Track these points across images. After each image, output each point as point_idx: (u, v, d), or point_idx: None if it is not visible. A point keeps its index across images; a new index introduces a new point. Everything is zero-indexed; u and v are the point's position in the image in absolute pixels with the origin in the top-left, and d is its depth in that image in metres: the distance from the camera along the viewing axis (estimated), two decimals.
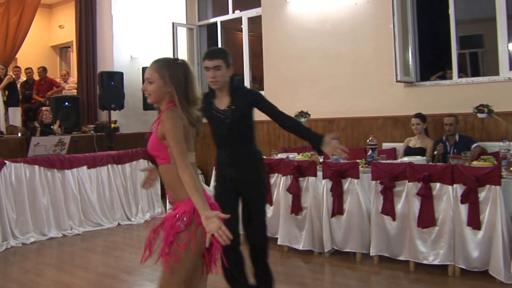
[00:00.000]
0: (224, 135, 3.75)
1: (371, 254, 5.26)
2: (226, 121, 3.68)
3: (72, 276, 4.82)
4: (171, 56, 7.75)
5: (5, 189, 6.66)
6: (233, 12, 10.20)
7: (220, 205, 2.67)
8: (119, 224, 7.81)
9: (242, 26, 9.93)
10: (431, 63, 8.01)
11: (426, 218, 4.85)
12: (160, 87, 2.63)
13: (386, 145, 7.07)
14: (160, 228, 2.74)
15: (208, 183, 7.51)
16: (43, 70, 11.29)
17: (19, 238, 6.70)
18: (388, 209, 5.11)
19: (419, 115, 6.47)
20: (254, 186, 3.79)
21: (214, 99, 3.73)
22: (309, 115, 7.37)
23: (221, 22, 10.41)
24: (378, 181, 5.17)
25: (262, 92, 9.23)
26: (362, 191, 5.38)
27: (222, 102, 3.72)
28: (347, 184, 5.41)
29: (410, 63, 7.32)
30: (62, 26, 13.70)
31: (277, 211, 6.02)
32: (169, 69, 2.64)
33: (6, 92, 10.15)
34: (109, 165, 7.86)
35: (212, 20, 10.59)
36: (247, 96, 3.77)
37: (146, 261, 2.77)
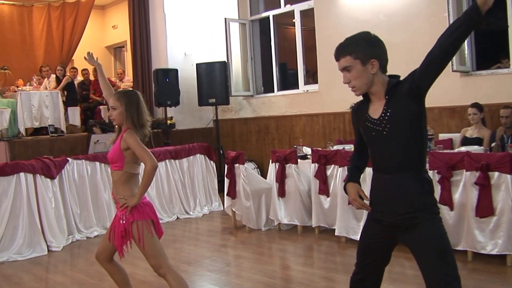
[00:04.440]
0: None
1: None
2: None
3: (135, 267, 5.04)
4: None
5: (68, 185, 6.92)
6: (285, 5, 10.25)
7: None
8: (177, 218, 7.99)
9: (294, 20, 9.98)
10: (488, 52, 7.86)
11: (484, 208, 4.80)
12: (121, 113, 3.50)
13: (442, 136, 7.00)
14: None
15: (264, 176, 7.60)
16: None
17: (83, 232, 6.99)
18: (446, 199, 5.07)
19: (475, 105, 6.39)
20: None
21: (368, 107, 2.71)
22: None
23: (273, 16, 10.48)
24: (436, 171, 5.14)
25: (315, 86, 9.32)
26: None
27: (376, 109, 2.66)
28: None
29: (466, 52, 7.22)
30: (116, 26, 14.08)
31: (334, 203, 6.07)
32: (127, 99, 3.51)
33: (65, 92, 10.57)
34: (167, 161, 8.01)
35: (264, 14, 10.68)
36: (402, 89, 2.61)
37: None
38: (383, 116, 2.58)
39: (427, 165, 5.01)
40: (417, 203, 2.57)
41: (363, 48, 2.62)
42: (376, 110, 2.63)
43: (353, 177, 2.89)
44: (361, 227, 5.55)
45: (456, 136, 6.67)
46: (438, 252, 2.53)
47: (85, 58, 4.28)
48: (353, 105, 2.87)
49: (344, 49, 2.67)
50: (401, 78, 2.70)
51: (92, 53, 4.26)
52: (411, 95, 2.54)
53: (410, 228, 2.59)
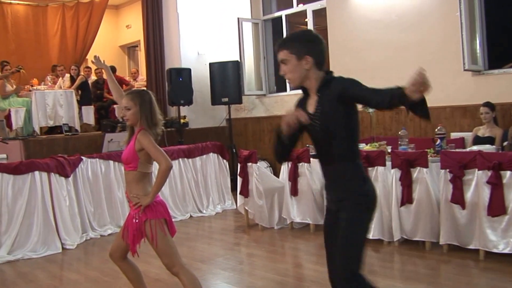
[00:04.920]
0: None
1: (440, 243, 5.26)
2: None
3: (148, 265, 5.06)
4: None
5: (83, 184, 7.00)
6: (298, 5, 10.30)
7: None
8: (191, 216, 8.06)
9: (306, 20, 10.02)
10: (500, 51, 7.83)
11: (496, 207, 4.79)
12: (135, 113, 3.53)
13: (454, 135, 7.00)
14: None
15: (276, 174, 7.65)
16: (114, 69, 11.69)
17: (97, 230, 7.06)
18: (458, 198, 5.09)
19: (487, 104, 6.37)
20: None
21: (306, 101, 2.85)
22: None
23: (285, 16, 10.53)
24: (447, 170, 5.15)
25: None
26: (431, 180, 5.37)
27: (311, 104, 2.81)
28: (416, 173, 5.41)
29: (478, 51, 7.21)
30: (129, 26, 14.17)
31: None
32: (140, 99, 3.54)
33: (79, 91, 10.68)
34: (180, 159, 8.06)
35: (277, 14, 10.74)
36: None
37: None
38: (316, 112, 2.74)
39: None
40: (345, 191, 2.70)
41: (300, 45, 2.75)
42: (311, 105, 2.78)
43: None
44: (373, 226, 5.66)
45: (468, 135, 6.66)
46: (343, 242, 2.64)
47: (92, 61, 4.33)
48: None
49: (284, 44, 2.80)
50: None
51: (98, 56, 4.30)
52: (340, 101, 2.66)
53: (338, 212, 2.70)
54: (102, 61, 4.24)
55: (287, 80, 2.88)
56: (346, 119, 2.70)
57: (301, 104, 2.85)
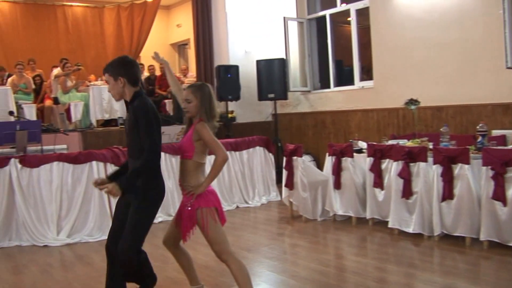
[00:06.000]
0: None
1: (481, 239, 5.20)
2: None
3: (196, 252, 5.18)
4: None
5: None
6: (341, 5, 10.39)
7: None
8: (237, 206, 8.27)
9: (349, 19, 10.11)
10: None
11: None
12: (196, 105, 3.64)
13: (496, 132, 6.86)
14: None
15: (320, 168, 7.75)
16: None
17: None
18: (499, 195, 5.05)
19: None
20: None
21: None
22: (419, 102, 7.26)
23: (329, 15, 10.64)
24: (489, 167, 5.13)
25: (370, 83, 9.43)
26: (472, 176, 5.33)
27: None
28: (457, 169, 5.41)
29: None
30: (180, 25, 14.52)
31: (388, 195, 6.14)
32: (201, 92, 3.65)
33: None
34: (228, 152, 8.15)
35: (321, 13, 10.86)
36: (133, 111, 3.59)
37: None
38: (125, 119, 3.78)
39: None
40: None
41: (115, 69, 3.64)
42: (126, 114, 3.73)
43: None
44: (414, 220, 5.76)
45: (509, 133, 6.51)
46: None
47: (152, 57, 4.47)
48: None
49: (105, 68, 3.69)
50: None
51: (158, 53, 4.45)
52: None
53: None
54: (162, 57, 4.40)
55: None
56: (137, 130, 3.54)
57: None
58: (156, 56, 4.42)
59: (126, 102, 3.72)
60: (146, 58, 13.16)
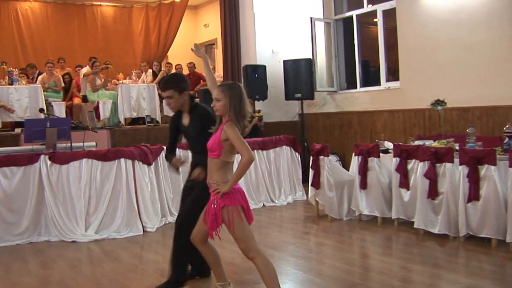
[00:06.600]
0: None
1: (507, 241, 5.14)
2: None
3: (222, 249, 5.06)
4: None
5: (163, 171, 7.30)
6: (368, 5, 10.41)
7: None
8: (264, 205, 8.30)
9: (375, 20, 10.11)
10: None
11: None
12: (225, 105, 3.63)
13: None
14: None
15: (346, 168, 7.76)
16: (193, 66, 12.16)
17: (175, 215, 7.16)
18: None
19: None
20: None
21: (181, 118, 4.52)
22: (445, 103, 7.17)
23: (356, 15, 10.66)
24: None
25: (396, 83, 9.43)
26: (498, 177, 5.29)
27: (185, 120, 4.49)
28: (483, 170, 5.37)
29: None
30: (207, 25, 14.63)
31: (414, 196, 6.14)
32: (230, 91, 3.65)
33: None
34: (255, 151, 8.20)
35: (348, 14, 10.88)
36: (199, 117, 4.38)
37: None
38: (186, 125, 4.44)
39: None
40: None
41: (179, 84, 4.31)
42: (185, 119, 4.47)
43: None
44: (440, 221, 5.75)
45: None
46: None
47: (192, 49, 4.51)
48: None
49: (167, 85, 4.32)
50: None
51: (198, 45, 4.52)
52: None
53: None
54: (201, 50, 4.47)
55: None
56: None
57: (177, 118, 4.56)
58: (196, 49, 4.49)
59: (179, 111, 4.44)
60: (173, 57, 13.34)
